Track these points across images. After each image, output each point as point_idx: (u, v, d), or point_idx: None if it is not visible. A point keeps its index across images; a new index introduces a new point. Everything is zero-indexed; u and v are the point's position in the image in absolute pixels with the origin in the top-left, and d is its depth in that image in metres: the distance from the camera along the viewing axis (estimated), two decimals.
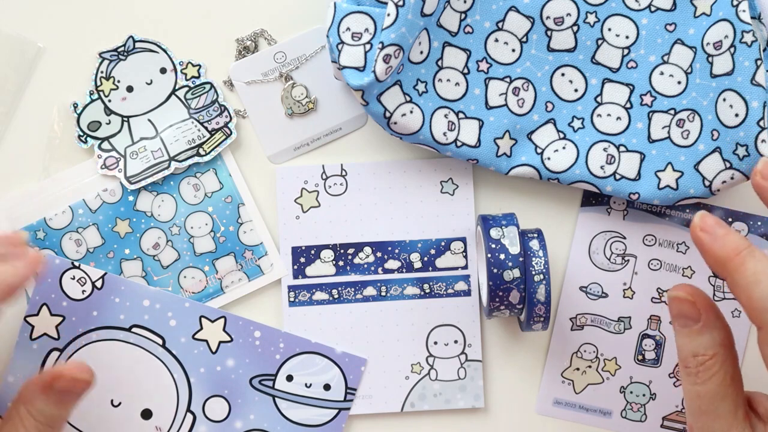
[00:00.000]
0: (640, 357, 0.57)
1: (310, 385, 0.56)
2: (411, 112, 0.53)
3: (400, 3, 0.50)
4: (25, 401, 0.45)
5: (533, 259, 0.50)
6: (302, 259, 0.57)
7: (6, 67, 0.56)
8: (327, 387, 0.56)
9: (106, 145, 0.56)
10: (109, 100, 0.56)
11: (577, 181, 0.55)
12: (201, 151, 0.56)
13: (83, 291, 0.56)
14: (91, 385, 0.47)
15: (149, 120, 0.56)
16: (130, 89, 0.56)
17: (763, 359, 0.41)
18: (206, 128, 0.56)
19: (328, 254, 0.57)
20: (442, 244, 0.57)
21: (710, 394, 0.41)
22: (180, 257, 0.57)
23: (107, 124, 0.56)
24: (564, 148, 0.55)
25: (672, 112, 0.54)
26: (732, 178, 0.52)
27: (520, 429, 0.57)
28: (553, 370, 0.57)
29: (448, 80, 0.54)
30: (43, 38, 0.57)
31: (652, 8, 0.53)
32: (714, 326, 0.42)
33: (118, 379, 0.56)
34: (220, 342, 0.56)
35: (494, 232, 0.51)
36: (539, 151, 0.55)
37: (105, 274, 0.56)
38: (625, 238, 0.57)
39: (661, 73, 0.54)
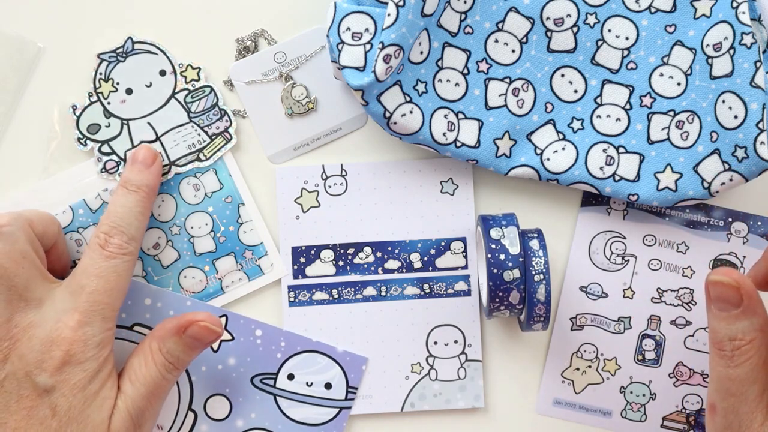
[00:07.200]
0: (640, 357, 0.57)
1: (312, 383, 0.56)
2: (411, 112, 0.53)
3: (401, 3, 0.49)
4: (158, 338, 0.49)
5: (533, 259, 0.50)
6: (302, 259, 0.57)
7: (6, 67, 0.56)
8: (328, 386, 0.56)
9: (106, 149, 0.56)
10: (109, 103, 0.56)
11: (577, 182, 0.54)
12: (201, 156, 0.56)
13: None
14: (219, 338, 0.51)
15: (149, 123, 0.56)
16: (129, 92, 0.56)
17: None
18: (206, 133, 0.56)
19: (328, 254, 0.57)
20: (442, 244, 0.57)
21: (741, 378, 0.42)
22: (180, 257, 0.57)
23: (107, 126, 0.56)
24: (563, 149, 0.54)
25: (671, 113, 0.54)
26: (731, 180, 0.51)
27: (520, 429, 0.57)
28: (553, 370, 0.57)
29: (448, 80, 0.54)
30: (43, 38, 0.57)
31: (652, 9, 0.53)
32: (754, 312, 0.42)
33: None
34: (222, 340, 0.56)
35: (494, 232, 0.51)
36: (539, 151, 0.55)
37: None
38: (625, 238, 0.57)
39: (661, 75, 0.54)
